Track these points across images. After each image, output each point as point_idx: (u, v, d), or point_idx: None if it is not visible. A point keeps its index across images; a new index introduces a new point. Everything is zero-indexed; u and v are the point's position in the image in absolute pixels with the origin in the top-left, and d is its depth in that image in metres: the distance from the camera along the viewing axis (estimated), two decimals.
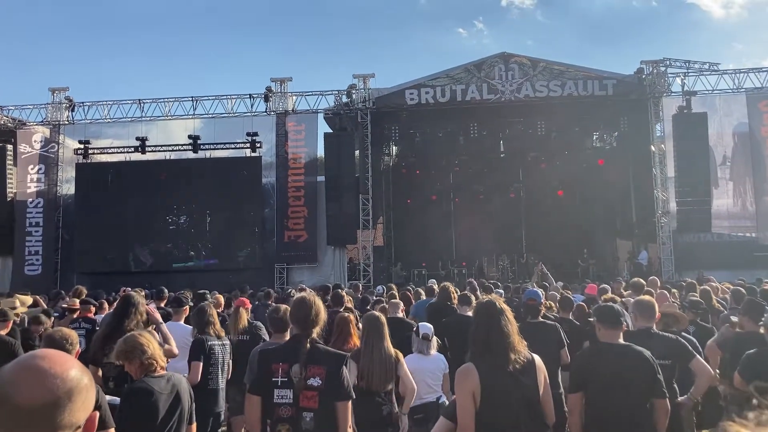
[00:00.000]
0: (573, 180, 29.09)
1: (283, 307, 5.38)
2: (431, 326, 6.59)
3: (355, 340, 5.89)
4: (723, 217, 24.17)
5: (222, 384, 6.40)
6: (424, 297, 10.71)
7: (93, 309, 9.00)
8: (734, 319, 6.82)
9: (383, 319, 5.69)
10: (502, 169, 30.02)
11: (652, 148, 24.44)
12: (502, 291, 11.79)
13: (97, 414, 1.50)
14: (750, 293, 9.04)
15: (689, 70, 24.45)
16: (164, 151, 25.80)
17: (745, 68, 25.54)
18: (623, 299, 8.22)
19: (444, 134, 28.50)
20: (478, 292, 10.15)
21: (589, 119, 27.49)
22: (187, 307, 7.42)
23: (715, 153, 24.33)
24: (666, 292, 9.41)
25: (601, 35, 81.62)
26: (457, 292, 8.94)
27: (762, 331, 5.57)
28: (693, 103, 24.08)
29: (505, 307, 3.86)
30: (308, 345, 3.83)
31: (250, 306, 8.15)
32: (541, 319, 7.03)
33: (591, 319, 6.21)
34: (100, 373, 5.42)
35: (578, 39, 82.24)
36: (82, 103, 26.68)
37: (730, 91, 24.69)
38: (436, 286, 10.88)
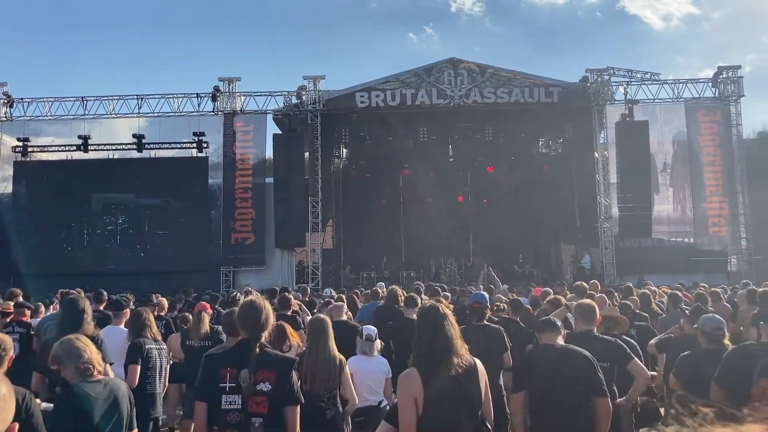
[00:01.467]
0: (519, 185, 29.55)
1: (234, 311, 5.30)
2: (375, 328, 6.61)
3: (292, 342, 5.91)
4: (663, 222, 24.87)
5: (160, 389, 6.34)
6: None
7: (28, 313, 8.75)
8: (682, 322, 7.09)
9: (328, 321, 5.68)
10: (450, 173, 30.29)
11: (596, 154, 24.95)
12: (448, 294, 11.81)
13: (16, 426, 1.39)
14: (699, 299, 9.32)
15: (632, 79, 25.12)
16: (108, 150, 25.28)
17: (683, 79, 26.41)
18: (566, 303, 8.36)
19: (394, 138, 28.53)
20: (423, 295, 10.16)
21: (536, 126, 27.91)
22: (127, 310, 7.29)
23: (656, 160, 25.04)
24: (605, 296, 9.48)
25: (548, 43, 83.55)
26: (404, 295, 8.96)
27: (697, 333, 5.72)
28: (635, 111, 24.76)
29: (447, 311, 3.89)
30: (257, 349, 3.81)
31: (211, 311, 8.03)
32: (486, 323, 7.11)
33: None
34: (46, 380, 5.32)
35: (525, 46, 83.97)
36: (22, 99, 25.87)
37: (670, 100, 25.44)
38: (382, 290, 10.84)
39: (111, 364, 5.42)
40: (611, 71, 24.96)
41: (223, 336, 6.94)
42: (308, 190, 24.73)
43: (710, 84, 25.73)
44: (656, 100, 25.45)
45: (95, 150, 25.07)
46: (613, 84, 25.10)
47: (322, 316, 5.89)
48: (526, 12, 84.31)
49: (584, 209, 27.13)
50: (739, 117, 25.24)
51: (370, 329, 6.49)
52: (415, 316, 6.19)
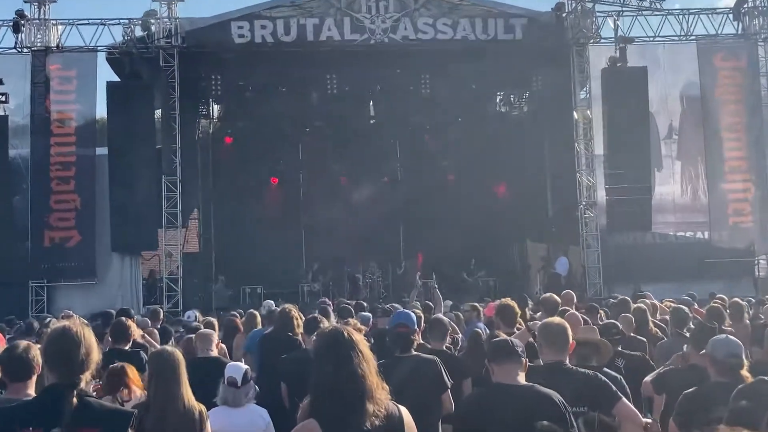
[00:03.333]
0: (469, 159, 29.91)
1: (24, 343, 5.14)
2: (244, 366, 6.74)
3: (134, 390, 5.95)
4: (668, 210, 25.43)
5: None
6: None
7: None
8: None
9: (179, 357, 5.67)
10: (372, 141, 30.66)
11: (575, 115, 25.32)
12: (369, 315, 12.04)
13: None
14: (712, 316, 9.55)
15: (624, 8, 25.16)
16: None
17: (695, 8, 26.73)
18: (531, 322, 8.58)
19: (288, 89, 28.65)
20: (332, 318, 10.34)
21: (492, 74, 27.97)
22: None
23: (657, 123, 25.54)
24: (584, 313, 9.84)
25: None
26: (301, 318, 9.18)
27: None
28: (629, 54, 24.97)
29: (357, 337, 4.03)
30: (75, 400, 3.78)
31: (3, 343, 8.05)
32: (415, 352, 7.23)
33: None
34: None
35: None
36: None
37: (677, 38, 25.82)
38: (268, 310, 11.13)
39: None
40: None
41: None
42: (161, 167, 24.55)
43: (731, 16, 26.05)
44: (658, 39, 25.75)
45: None
46: (598, 14, 25.24)
47: (169, 349, 5.89)
48: None
49: (559, 192, 27.74)
50: None
51: (236, 369, 6.62)
52: None
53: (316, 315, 9.15)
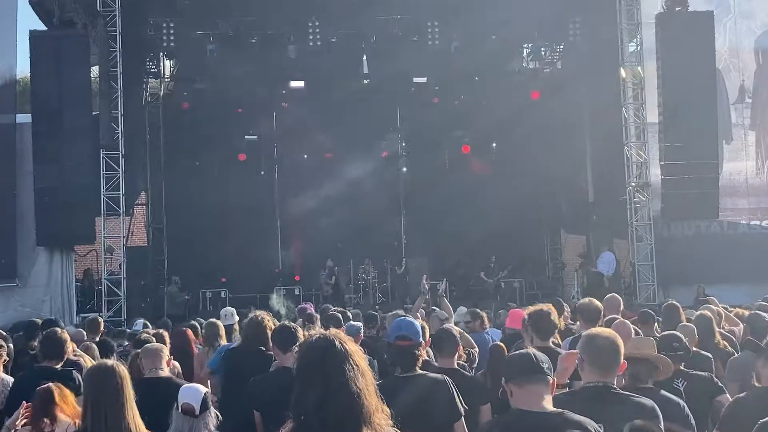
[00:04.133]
0: (489, 129, 29.82)
1: None
2: (203, 390, 6.77)
3: (61, 419, 6.01)
4: (739, 193, 25.91)
5: None
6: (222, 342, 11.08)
7: None
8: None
9: (123, 374, 5.69)
10: (365, 107, 30.45)
11: (622, 72, 25.39)
12: (360, 324, 12.05)
13: None
14: None
15: None
16: None
17: None
18: (571, 336, 8.71)
19: (260, 40, 28.63)
20: (318, 326, 10.35)
21: (517, 22, 27.89)
22: None
23: (726, 82, 25.72)
24: (636, 323, 9.79)
25: None
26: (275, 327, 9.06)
27: None
28: None
29: (351, 348, 3.99)
30: None
31: None
32: (420, 371, 7.17)
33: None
34: None
35: None
36: None
37: None
38: (232, 318, 11.20)
39: None
40: None
41: None
42: (99, 138, 24.47)
43: None
44: None
45: None
46: None
47: (109, 363, 5.87)
48: None
49: (602, 171, 28.05)
50: None
51: (192, 393, 6.66)
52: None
53: (288, 323, 9.08)
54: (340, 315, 12.45)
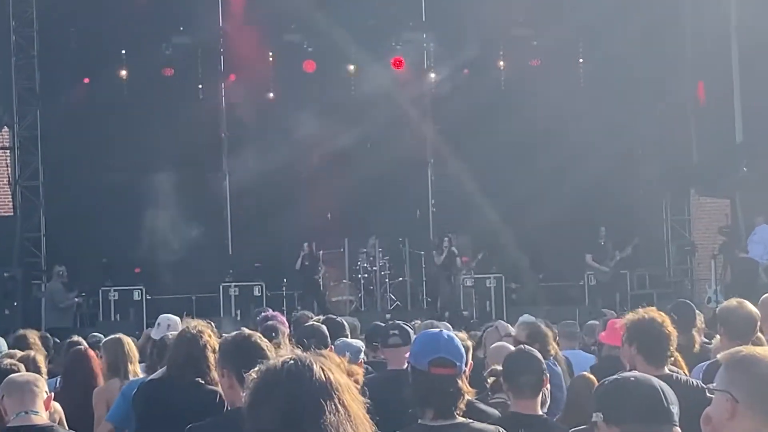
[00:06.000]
0: (571, 31, 27.78)
1: None
2: None
3: None
4: None
5: None
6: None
7: None
8: None
9: None
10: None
11: None
12: (359, 344, 10.57)
13: None
14: None
15: None
16: None
17: None
18: (707, 361, 8.76)
19: None
20: (287, 344, 8.39)
21: None
22: None
23: None
24: None
25: None
26: (216, 345, 8.35)
27: None
28: None
29: (339, 378, 3.46)
30: None
31: None
32: (463, 419, 6.25)
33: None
34: None
35: None
36: None
37: None
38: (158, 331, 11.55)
39: None
40: None
41: None
42: None
43: None
44: None
45: None
46: None
47: None
48: None
49: (751, 104, 25.72)
50: None
51: None
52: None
53: (246, 333, 7.37)
54: (325, 328, 10.10)
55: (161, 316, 13.51)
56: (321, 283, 26.71)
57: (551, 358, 10.70)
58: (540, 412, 7.71)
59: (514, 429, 6.80)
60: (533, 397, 7.39)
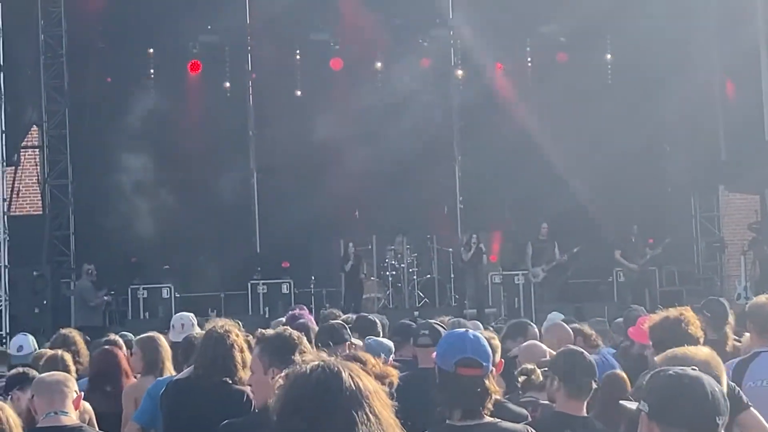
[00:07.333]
0: (589, 30, 27.92)
1: None
2: None
3: None
4: None
5: None
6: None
7: None
8: None
9: (14, 427, 6.41)
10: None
11: None
12: (389, 344, 10.26)
13: None
14: None
15: None
16: None
17: None
18: (738, 357, 8.50)
19: None
20: (311, 344, 8.30)
21: None
22: None
23: None
24: None
25: None
26: (247, 345, 8.38)
27: None
28: None
29: (368, 385, 3.50)
30: None
31: None
32: (491, 419, 6.16)
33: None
34: None
35: None
36: None
37: None
38: (180, 328, 11.56)
39: None
40: None
41: None
42: None
43: None
44: None
45: None
46: None
47: None
48: None
49: None
50: None
51: None
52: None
53: (281, 330, 7.28)
54: (341, 325, 10.12)
55: (174, 317, 13.84)
56: (363, 283, 26.88)
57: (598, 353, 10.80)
58: (586, 414, 7.69)
59: (559, 429, 6.91)
60: (585, 398, 7.40)
